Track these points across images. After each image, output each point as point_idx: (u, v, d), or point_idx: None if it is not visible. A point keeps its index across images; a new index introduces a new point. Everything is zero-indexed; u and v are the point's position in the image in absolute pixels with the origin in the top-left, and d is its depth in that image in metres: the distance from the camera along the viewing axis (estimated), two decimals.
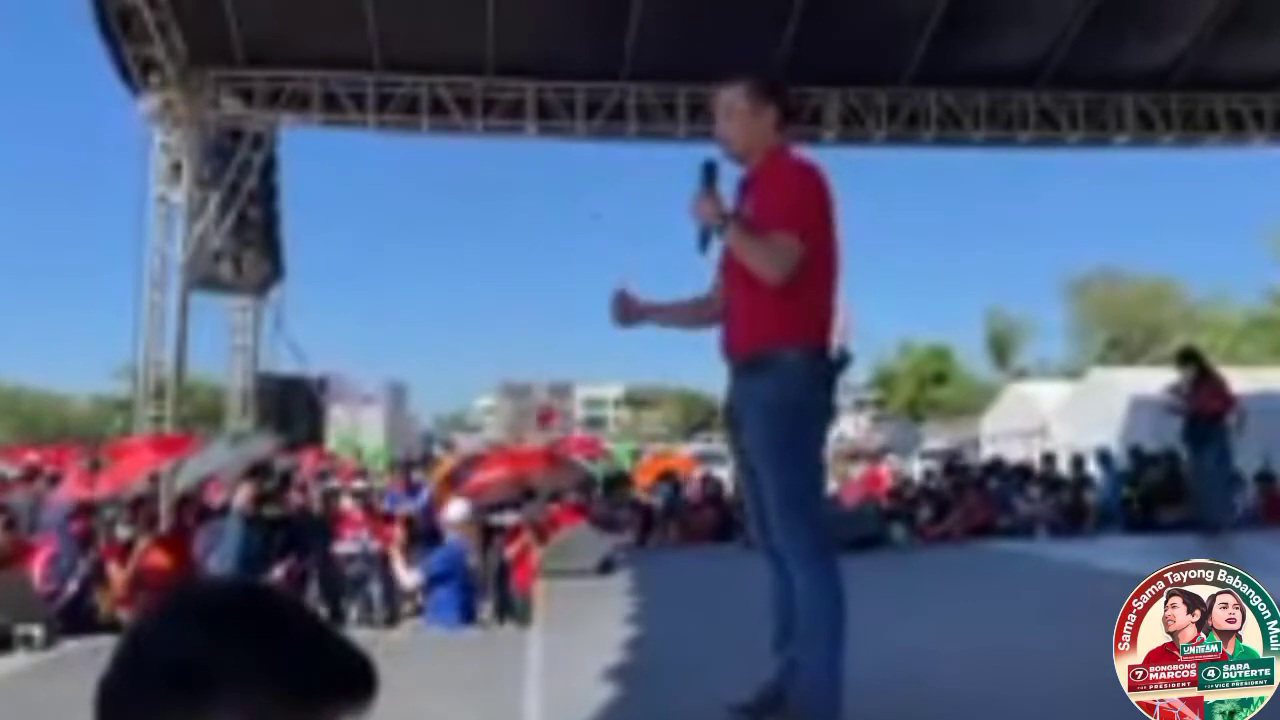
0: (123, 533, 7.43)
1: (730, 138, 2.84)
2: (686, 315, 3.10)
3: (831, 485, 13.42)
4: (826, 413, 2.80)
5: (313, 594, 7.23)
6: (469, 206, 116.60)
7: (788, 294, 2.64)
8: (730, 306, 2.84)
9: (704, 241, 2.76)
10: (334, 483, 10.66)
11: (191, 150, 11.04)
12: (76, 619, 5.98)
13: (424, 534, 10.31)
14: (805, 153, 2.93)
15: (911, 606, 4.96)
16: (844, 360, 2.82)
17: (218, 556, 6.08)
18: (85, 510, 7.06)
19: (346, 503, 9.47)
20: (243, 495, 6.30)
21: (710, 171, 2.73)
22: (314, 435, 15.09)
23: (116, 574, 6.79)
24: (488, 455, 10.99)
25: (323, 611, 7.17)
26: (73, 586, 6.17)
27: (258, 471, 7.33)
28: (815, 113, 11.96)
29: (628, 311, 2.99)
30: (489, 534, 8.96)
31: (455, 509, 7.31)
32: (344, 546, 8.10)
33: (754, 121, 2.81)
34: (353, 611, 7.78)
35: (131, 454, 8.65)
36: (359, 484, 10.89)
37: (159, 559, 6.97)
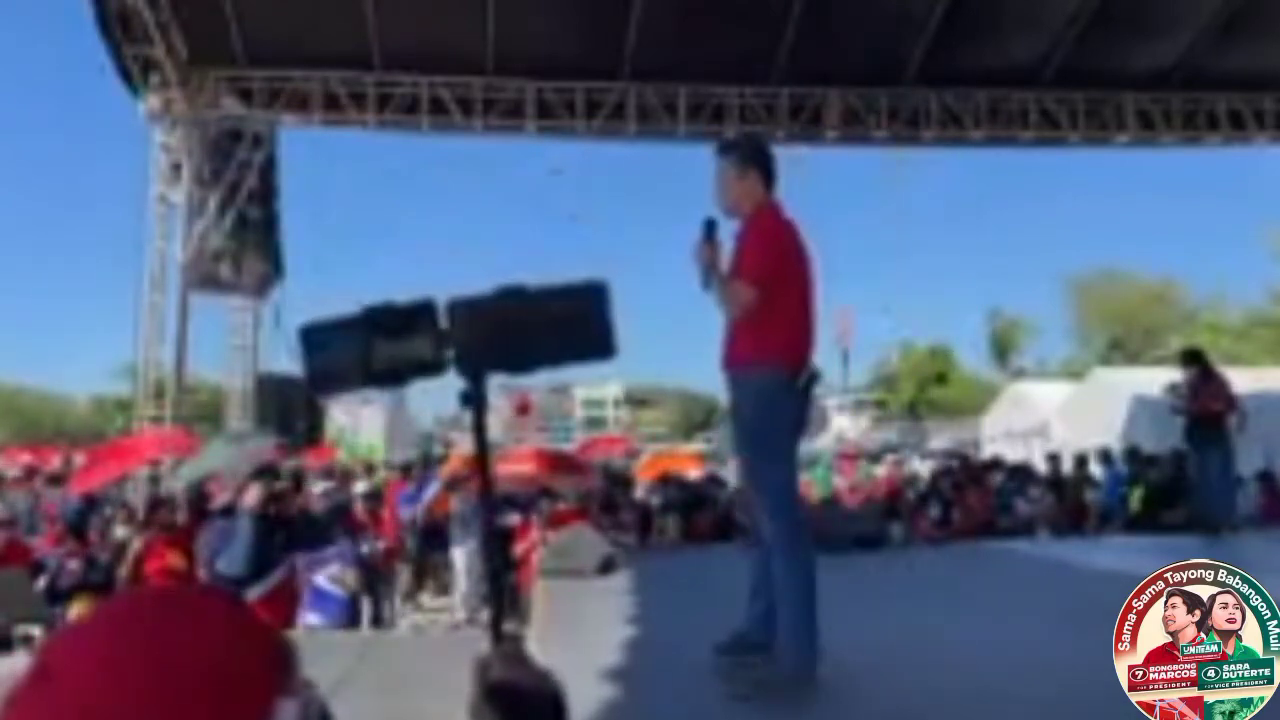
0: (120, 532, 7.43)
1: (719, 199, 3.41)
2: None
3: (838, 482, 13.45)
4: (795, 422, 3.30)
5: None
6: (468, 204, 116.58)
7: (757, 324, 3.23)
8: (726, 330, 3.42)
9: (705, 281, 3.29)
10: (333, 484, 10.64)
11: (192, 150, 11.05)
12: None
13: (424, 534, 10.30)
14: (782, 211, 3.44)
15: (911, 605, 4.96)
16: (814, 378, 3.35)
17: (227, 558, 6.03)
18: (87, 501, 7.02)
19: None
20: (252, 496, 6.26)
21: (709, 226, 3.26)
22: (314, 435, 15.06)
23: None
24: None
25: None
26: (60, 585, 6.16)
27: (265, 472, 7.28)
28: (815, 113, 11.96)
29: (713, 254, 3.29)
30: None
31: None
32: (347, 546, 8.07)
33: (740, 185, 3.39)
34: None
35: (130, 448, 8.62)
36: (363, 485, 10.88)
37: (160, 559, 6.96)
